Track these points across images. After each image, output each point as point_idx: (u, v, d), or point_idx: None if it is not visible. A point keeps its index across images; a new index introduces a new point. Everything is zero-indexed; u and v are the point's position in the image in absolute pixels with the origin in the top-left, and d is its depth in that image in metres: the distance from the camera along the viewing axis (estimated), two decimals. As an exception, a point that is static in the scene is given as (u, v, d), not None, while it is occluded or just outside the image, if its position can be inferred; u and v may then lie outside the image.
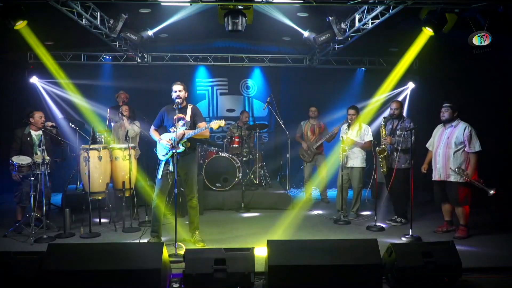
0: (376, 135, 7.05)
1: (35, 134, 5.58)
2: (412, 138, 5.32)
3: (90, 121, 7.81)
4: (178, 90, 4.73)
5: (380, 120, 8.44)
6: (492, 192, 4.84)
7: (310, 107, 7.61)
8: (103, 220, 5.85)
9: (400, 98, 8.77)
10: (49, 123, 5.71)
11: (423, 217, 6.18)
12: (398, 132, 5.69)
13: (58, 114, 8.47)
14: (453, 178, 5.12)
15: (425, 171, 5.52)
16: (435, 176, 5.33)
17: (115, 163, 5.77)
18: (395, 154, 5.68)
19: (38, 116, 5.57)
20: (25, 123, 5.59)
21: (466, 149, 5.08)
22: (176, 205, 4.48)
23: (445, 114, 5.22)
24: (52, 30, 6.97)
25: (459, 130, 5.12)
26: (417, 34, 6.30)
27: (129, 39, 6.49)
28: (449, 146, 5.16)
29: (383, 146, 5.68)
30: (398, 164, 5.61)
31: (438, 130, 5.40)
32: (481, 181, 4.94)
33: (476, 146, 5.04)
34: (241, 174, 7.06)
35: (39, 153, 5.42)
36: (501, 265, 4.22)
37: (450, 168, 5.11)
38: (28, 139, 5.52)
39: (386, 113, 8.44)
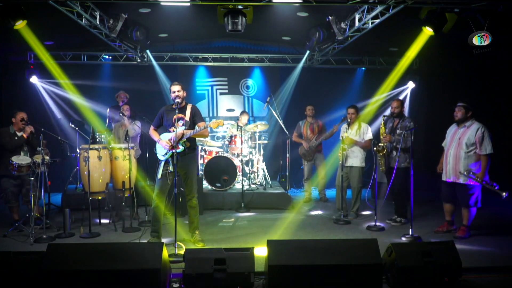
0: (376, 134, 7.06)
1: (19, 134, 5.56)
2: (412, 137, 5.30)
3: (90, 121, 7.82)
4: (176, 90, 4.72)
5: (380, 119, 8.50)
6: (504, 194, 4.72)
7: (306, 106, 7.61)
8: (103, 220, 5.84)
9: (400, 98, 8.76)
10: (28, 129, 5.58)
11: (423, 217, 6.17)
12: (398, 131, 5.67)
13: (58, 114, 8.48)
14: (462, 180, 5.06)
15: (440, 171, 5.38)
16: (445, 177, 5.27)
17: (115, 163, 5.77)
18: (394, 153, 5.67)
19: (19, 117, 5.54)
20: (8, 123, 5.58)
21: (477, 150, 4.98)
22: (176, 205, 4.48)
23: (458, 113, 5.12)
24: (52, 30, 6.97)
25: (472, 131, 5.01)
26: (417, 34, 6.31)
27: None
28: (460, 147, 5.07)
29: (382, 144, 5.67)
30: (397, 163, 5.60)
31: (451, 130, 5.30)
32: (493, 184, 4.82)
33: (488, 148, 4.92)
34: (241, 174, 7.06)
35: (22, 153, 5.43)
36: (501, 265, 4.22)
37: (460, 172, 5.06)
38: (16, 138, 5.51)
39: (387, 112, 8.46)
